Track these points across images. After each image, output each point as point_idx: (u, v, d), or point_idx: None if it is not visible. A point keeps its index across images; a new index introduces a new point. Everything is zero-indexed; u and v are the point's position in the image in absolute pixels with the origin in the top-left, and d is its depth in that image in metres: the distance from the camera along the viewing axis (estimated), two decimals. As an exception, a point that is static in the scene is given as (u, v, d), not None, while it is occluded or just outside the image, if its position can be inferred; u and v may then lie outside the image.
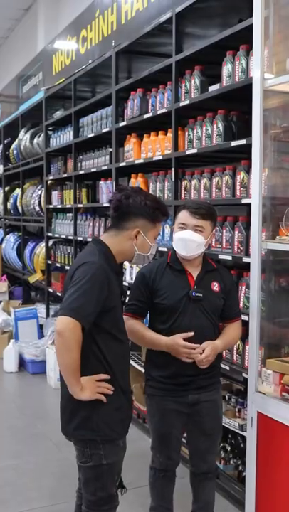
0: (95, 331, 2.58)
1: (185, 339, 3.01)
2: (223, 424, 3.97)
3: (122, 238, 2.72)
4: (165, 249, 4.38)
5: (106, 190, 5.86)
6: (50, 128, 7.96)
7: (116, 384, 2.66)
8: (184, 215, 3.10)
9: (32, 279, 8.34)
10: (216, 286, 3.17)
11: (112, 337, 2.66)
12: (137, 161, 5.12)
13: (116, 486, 2.76)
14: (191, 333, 3.00)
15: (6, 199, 10.33)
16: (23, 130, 9.03)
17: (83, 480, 2.73)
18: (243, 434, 3.75)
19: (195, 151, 4.20)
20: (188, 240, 3.06)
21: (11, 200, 9.93)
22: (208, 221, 3.10)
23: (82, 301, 2.49)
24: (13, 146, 9.59)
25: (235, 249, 3.75)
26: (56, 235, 7.53)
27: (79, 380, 2.55)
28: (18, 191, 9.59)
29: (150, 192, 4.63)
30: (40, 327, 7.57)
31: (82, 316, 2.48)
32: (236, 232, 3.74)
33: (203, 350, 3.00)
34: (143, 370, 3.43)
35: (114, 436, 2.68)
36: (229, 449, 4.14)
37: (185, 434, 3.39)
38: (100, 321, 2.58)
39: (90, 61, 6.49)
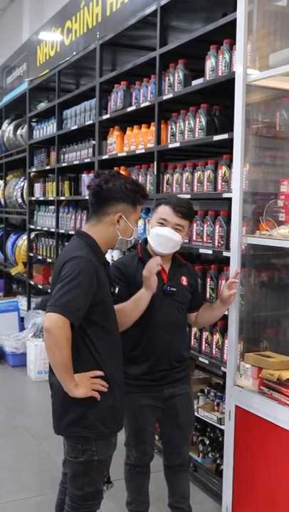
0: (86, 324, 2.55)
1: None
2: (202, 417, 4.00)
3: (104, 225, 2.68)
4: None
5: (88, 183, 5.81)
6: (33, 119, 7.92)
7: (110, 379, 2.63)
8: (165, 211, 3.08)
9: (14, 272, 8.30)
10: (184, 281, 3.21)
11: (104, 330, 2.63)
12: (119, 154, 5.10)
13: (103, 482, 2.75)
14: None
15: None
16: (6, 121, 8.98)
17: (71, 474, 2.69)
18: (221, 427, 3.77)
19: (177, 144, 4.20)
20: (168, 237, 3.06)
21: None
22: (187, 221, 3.12)
23: (71, 297, 2.44)
24: (-4, 137, 9.51)
25: (216, 244, 3.76)
26: (38, 228, 7.50)
27: (73, 377, 2.51)
28: (0, 183, 9.53)
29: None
30: (22, 320, 7.54)
31: (71, 313, 2.44)
32: (217, 227, 3.75)
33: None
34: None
35: (107, 433, 2.66)
36: (208, 442, 4.16)
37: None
38: (90, 314, 2.54)
39: (74, 53, 6.46)
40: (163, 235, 3.06)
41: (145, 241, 3.21)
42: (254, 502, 3.12)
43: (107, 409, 2.63)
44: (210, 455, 4.10)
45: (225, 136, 3.58)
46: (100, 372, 2.60)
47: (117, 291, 2.90)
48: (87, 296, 2.51)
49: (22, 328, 7.39)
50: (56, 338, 2.42)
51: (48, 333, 2.43)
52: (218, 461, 3.97)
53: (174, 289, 3.13)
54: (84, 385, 2.54)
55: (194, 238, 4.01)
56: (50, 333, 2.42)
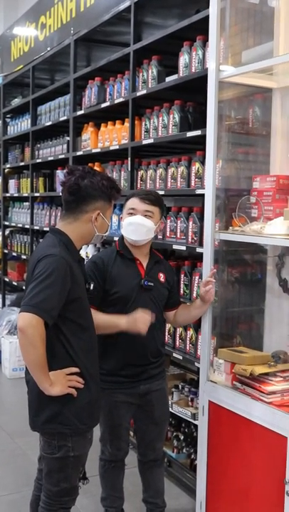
0: (61, 322, 2.54)
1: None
2: (176, 413, 4.02)
3: (82, 223, 2.66)
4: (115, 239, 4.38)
5: (59, 182, 5.81)
6: (7, 115, 7.88)
7: (86, 375, 2.63)
8: (133, 202, 3.12)
9: (-12, 268, 8.24)
10: (162, 277, 3.22)
11: (79, 327, 2.62)
12: (94, 150, 5.09)
13: (79, 478, 2.75)
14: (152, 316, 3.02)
15: None
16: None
17: (46, 470, 2.69)
18: (196, 422, 3.79)
19: (151, 141, 4.20)
20: (138, 224, 3.07)
21: None
22: (156, 207, 3.14)
23: (44, 296, 2.43)
24: None
25: (190, 240, 3.77)
26: (13, 224, 7.46)
27: (48, 376, 2.50)
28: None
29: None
30: (-4, 317, 7.48)
31: (45, 312, 2.42)
32: (190, 223, 3.76)
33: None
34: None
35: (84, 429, 2.66)
36: (182, 437, 4.18)
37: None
38: (65, 311, 2.53)
39: (48, 48, 6.43)
40: (134, 222, 3.08)
41: (122, 236, 3.21)
42: (227, 496, 3.14)
43: (83, 405, 2.63)
44: (184, 450, 4.12)
45: (198, 132, 3.60)
46: (75, 369, 2.60)
47: (92, 287, 2.89)
48: (61, 295, 2.50)
49: (-4, 325, 7.34)
50: (30, 337, 2.41)
51: (22, 332, 2.41)
52: (192, 456, 3.99)
53: (152, 284, 3.14)
54: (59, 383, 2.53)
55: (168, 234, 4.02)
56: (24, 332, 2.41)
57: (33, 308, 2.41)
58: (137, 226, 3.07)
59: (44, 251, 2.56)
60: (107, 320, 3.00)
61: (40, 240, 6.37)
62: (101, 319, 2.96)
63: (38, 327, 2.41)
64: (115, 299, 3.09)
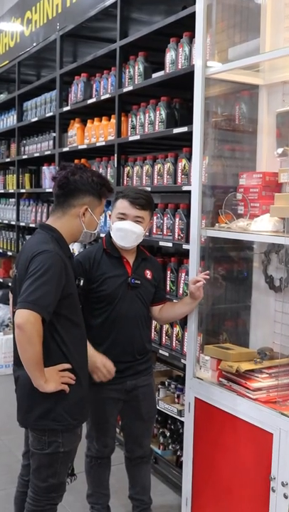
0: (55, 318, 2.54)
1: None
2: (163, 409, 4.02)
3: (69, 217, 2.67)
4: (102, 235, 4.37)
5: (49, 176, 5.78)
6: (-7, 111, 7.81)
7: (78, 371, 2.64)
8: (123, 205, 3.07)
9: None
10: (148, 274, 3.21)
11: (72, 323, 2.63)
12: (80, 147, 5.08)
13: (67, 474, 2.75)
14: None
15: None
16: None
17: (35, 466, 2.68)
18: (182, 419, 3.79)
19: (138, 137, 4.19)
20: (128, 230, 3.05)
21: None
22: (147, 211, 3.11)
23: (41, 293, 2.43)
24: None
25: (176, 236, 3.77)
26: (-1, 220, 7.41)
27: (43, 373, 2.50)
28: None
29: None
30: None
31: (43, 308, 2.42)
32: (177, 219, 3.76)
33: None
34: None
35: (75, 425, 2.67)
36: (168, 434, 4.19)
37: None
38: (59, 308, 2.53)
39: (34, 44, 6.39)
40: (123, 229, 3.05)
41: (110, 234, 3.20)
42: (213, 492, 3.15)
43: (75, 401, 2.64)
44: (170, 447, 4.12)
45: (184, 129, 3.59)
46: (67, 365, 2.60)
47: (82, 283, 2.89)
48: (57, 291, 2.50)
49: (-18, 321, 7.30)
50: (29, 334, 2.41)
51: (20, 329, 2.41)
52: (178, 452, 3.99)
53: (139, 282, 3.13)
54: (53, 380, 2.54)
55: (154, 231, 4.01)
56: (23, 329, 2.40)
57: (30, 304, 2.41)
58: (126, 232, 3.05)
59: (38, 247, 2.55)
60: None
61: (27, 237, 6.38)
62: None
63: (36, 324, 2.41)
64: (102, 296, 3.08)
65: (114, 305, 3.08)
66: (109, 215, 3.14)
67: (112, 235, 3.12)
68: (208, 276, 3.14)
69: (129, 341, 3.13)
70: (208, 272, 3.16)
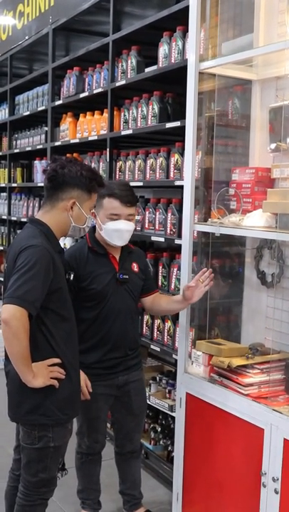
0: (43, 313, 2.53)
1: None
2: (154, 405, 4.02)
3: (58, 211, 2.65)
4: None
5: (41, 170, 5.75)
6: (-15, 105, 7.77)
7: (67, 366, 2.62)
8: (113, 205, 3.02)
9: None
10: (135, 267, 3.20)
11: (61, 317, 2.62)
12: (72, 141, 5.06)
13: (58, 469, 2.75)
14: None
15: None
16: None
17: (25, 461, 2.68)
18: (173, 414, 3.79)
19: (130, 131, 4.18)
20: (124, 230, 3.04)
21: None
22: (135, 206, 3.12)
23: (28, 288, 2.41)
24: None
25: (168, 231, 3.76)
26: (-10, 215, 7.38)
27: (31, 368, 2.49)
28: None
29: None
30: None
31: (29, 303, 2.41)
32: (169, 214, 3.75)
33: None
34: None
35: (65, 420, 2.66)
36: (159, 429, 4.19)
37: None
38: (47, 303, 2.52)
39: (26, 37, 6.36)
40: (120, 230, 3.04)
41: (93, 229, 3.17)
42: (204, 487, 3.15)
43: (65, 396, 2.62)
44: (161, 442, 4.13)
45: (177, 123, 3.58)
46: (57, 360, 2.59)
47: (72, 277, 2.87)
48: (44, 286, 2.48)
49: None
50: (14, 329, 2.39)
51: (6, 324, 2.40)
52: (169, 448, 3.99)
53: (127, 277, 3.12)
54: (42, 375, 2.52)
55: (146, 226, 4.00)
56: (9, 324, 2.39)
57: (17, 300, 2.39)
58: (123, 233, 3.04)
59: (25, 242, 2.54)
60: None
61: (18, 231, 6.35)
62: None
63: (22, 319, 2.40)
64: (92, 294, 3.06)
65: (106, 302, 3.07)
66: (93, 213, 2.99)
67: (105, 235, 3.07)
68: (208, 276, 3.05)
69: (121, 337, 3.12)
70: (205, 269, 3.10)
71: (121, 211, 3.03)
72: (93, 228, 3.17)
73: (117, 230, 3.04)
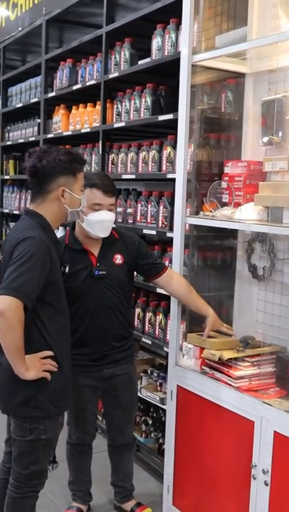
0: (39, 305, 2.52)
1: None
2: (145, 397, 4.02)
3: (50, 202, 2.63)
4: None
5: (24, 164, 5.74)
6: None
7: (60, 358, 2.62)
8: (95, 195, 3.00)
9: None
10: (118, 259, 3.13)
11: (55, 310, 2.61)
12: (65, 133, 5.04)
13: (49, 461, 2.75)
14: None
15: None
16: None
17: (17, 453, 2.68)
18: (164, 407, 3.80)
19: (123, 124, 4.16)
20: (107, 221, 3.03)
21: None
22: (115, 196, 3.11)
23: (25, 280, 2.41)
24: None
25: (160, 224, 3.75)
26: (-18, 207, 7.35)
27: (24, 360, 2.48)
28: None
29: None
30: None
31: (25, 295, 2.40)
32: (161, 207, 3.75)
33: None
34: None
35: (56, 412, 2.66)
36: (150, 422, 4.19)
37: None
38: (43, 295, 2.52)
39: (19, 28, 6.32)
40: (104, 220, 3.02)
41: (72, 227, 3.15)
42: (195, 480, 3.16)
43: (56, 388, 2.63)
44: (152, 435, 4.13)
45: (170, 116, 3.57)
46: (49, 353, 2.59)
47: (67, 270, 2.86)
48: (41, 278, 2.48)
49: None
50: (10, 320, 2.39)
51: (1, 315, 2.39)
52: (160, 440, 4.00)
53: (104, 273, 3.06)
54: (34, 367, 2.52)
55: (138, 219, 4.00)
56: (4, 315, 2.38)
57: (13, 291, 2.39)
58: (105, 223, 3.02)
59: (23, 233, 2.53)
60: None
61: (11, 224, 6.34)
62: None
63: (18, 311, 2.40)
64: (68, 293, 2.89)
65: (82, 300, 3.04)
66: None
67: (88, 227, 3.02)
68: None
69: (102, 333, 3.10)
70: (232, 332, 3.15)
71: (103, 201, 3.02)
72: (73, 226, 3.15)
73: (100, 221, 3.01)
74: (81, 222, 3.03)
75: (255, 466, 2.71)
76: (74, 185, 2.67)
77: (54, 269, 2.57)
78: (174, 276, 3.19)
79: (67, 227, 3.20)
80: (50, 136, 5.34)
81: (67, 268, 2.86)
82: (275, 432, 2.63)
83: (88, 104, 4.76)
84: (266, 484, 2.67)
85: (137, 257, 3.18)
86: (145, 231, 3.88)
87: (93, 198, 3.00)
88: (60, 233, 4.77)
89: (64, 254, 3.05)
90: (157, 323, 3.85)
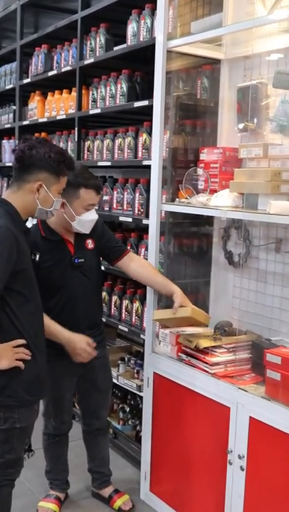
0: (7, 293, 2.48)
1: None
2: (122, 385, 4.03)
3: (24, 192, 2.58)
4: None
5: (9, 150, 5.69)
6: None
7: (32, 347, 2.59)
8: (90, 196, 2.97)
9: None
10: (90, 244, 3.12)
11: (25, 298, 2.57)
12: (40, 120, 5.00)
13: (24, 449, 2.73)
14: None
15: None
16: None
17: None
18: (141, 394, 3.80)
19: (98, 110, 4.13)
20: (96, 219, 3.04)
21: None
22: None
23: None
24: None
25: (136, 212, 3.74)
26: None
27: None
28: None
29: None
30: None
31: None
32: (137, 194, 3.73)
33: None
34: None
35: (32, 401, 2.64)
36: (128, 409, 4.20)
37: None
38: (11, 284, 2.47)
39: (-6, 13, 6.24)
40: (94, 219, 3.02)
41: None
42: (172, 466, 3.18)
43: (30, 377, 2.60)
44: (130, 422, 4.14)
45: (145, 102, 3.55)
46: (21, 341, 2.56)
47: (37, 258, 2.83)
48: (7, 267, 2.44)
49: None
50: None
51: None
52: (137, 427, 4.01)
53: (82, 260, 3.06)
54: (6, 356, 2.50)
55: (115, 206, 3.98)
56: None
57: None
58: (94, 222, 3.03)
59: None
60: (52, 329, 2.92)
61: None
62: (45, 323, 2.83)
63: None
64: (47, 284, 2.91)
65: (64, 289, 3.03)
66: (63, 203, 2.90)
67: (77, 225, 2.99)
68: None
69: (80, 319, 3.07)
70: None
71: (96, 201, 3.03)
72: None
73: (91, 221, 3.02)
74: (71, 221, 2.99)
75: (231, 451, 2.73)
76: (53, 186, 2.62)
77: (22, 257, 2.52)
78: (133, 259, 3.21)
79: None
80: (25, 123, 5.28)
81: (38, 256, 2.82)
82: (250, 417, 2.65)
83: (64, 90, 4.72)
84: (242, 469, 2.69)
85: (102, 239, 3.18)
86: (121, 218, 3.86)
87: (89, 199, 2.98)
88: (29, 223, 4.77)
89: (41, 246, 3.00)
90: (134, 311, 3.84)
